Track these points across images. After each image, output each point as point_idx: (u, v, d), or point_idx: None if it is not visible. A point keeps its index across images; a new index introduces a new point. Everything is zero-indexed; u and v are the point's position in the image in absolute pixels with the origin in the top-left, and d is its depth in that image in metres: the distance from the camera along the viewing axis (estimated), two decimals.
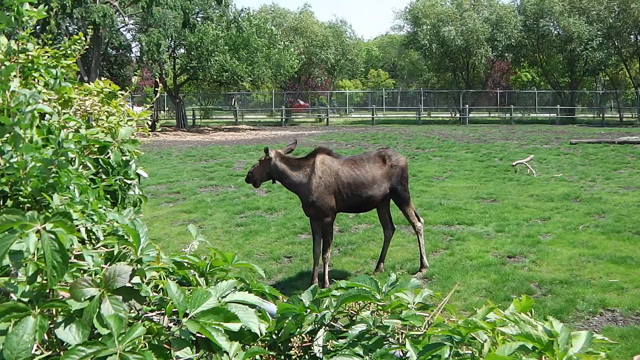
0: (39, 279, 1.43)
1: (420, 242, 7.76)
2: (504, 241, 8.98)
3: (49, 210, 1.70)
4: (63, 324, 1.35)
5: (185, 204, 12.51)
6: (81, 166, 2.19)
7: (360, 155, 7.93)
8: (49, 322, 1.35)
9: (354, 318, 1.64)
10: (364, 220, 10.39)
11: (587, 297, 6.54)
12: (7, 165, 1.76)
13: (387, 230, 7.95)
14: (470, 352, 1.31)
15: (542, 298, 6.60)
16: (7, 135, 1.80)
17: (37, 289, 1.41)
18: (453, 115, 49.72)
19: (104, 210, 1.95)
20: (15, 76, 2.03)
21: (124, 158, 2.43)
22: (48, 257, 1.36)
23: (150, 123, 3.21)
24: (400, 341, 1.46)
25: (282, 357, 1.61)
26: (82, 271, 1.55)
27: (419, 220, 7.88)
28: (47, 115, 2.23)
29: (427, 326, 1.46)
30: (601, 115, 45.35)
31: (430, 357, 1.29)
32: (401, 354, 1.44)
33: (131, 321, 1.47)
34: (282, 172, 7.18)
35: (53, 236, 1.38)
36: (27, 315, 1.33)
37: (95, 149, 2.42)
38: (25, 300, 1.36)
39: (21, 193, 1.81)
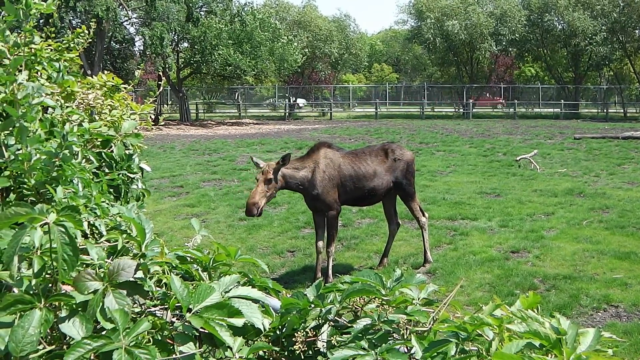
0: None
1: (425, 237, 7.76)
2: (508, 236, 8.97)
3: (52, 204, 1.70)
4: (67, 318, 1.35)
5: (189, 198, 12.52)
6: (84, 160, 2.18)
7: (363, 148, 7.92)
8: (53, 316, 1.35)
9: (358, 313, 1.63)
10: (367, 214, 10.38)
11: (590, 293, 6.53)
12: (12, 157, 1.75)
13: (392, 225, 7.95)
14: (477, 348, 1.30)
15: (546, 293, 6.59)
16: (11, 127, 1.79)
17: (42, 283, 1.40)
18: (456, 109, 49.59)
19: (107, 204, 1.94)
20: (22, 69, 2.03)
21: (127, 152, 2.42)
22: (59, 250, 1.35)
23: (153, 117, 3.20)
24: (405, 337, 1.45)
25: (286, 352, 1.60)
26: (84, 265, 1.54)
27: (423, 215, 7.88)
28: (49, 108, 2.23)
29: (432, 322, 1.45)
30: (605, 110, 45.13)
31: (435, 353, 1.28)
32: (406, 350, 1.43)
33: (134, 316, 1.46)
34: (290, 176, 6.96)
35: (63, 229, 1.37)
36: (33, 308, 1.32)
37: (98, 143, 2.41)
38: (31, 293, 1.36)
39: (25, 186, 1.81)
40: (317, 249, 7.28)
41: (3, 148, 1.79)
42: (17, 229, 1.36)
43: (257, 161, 6.92)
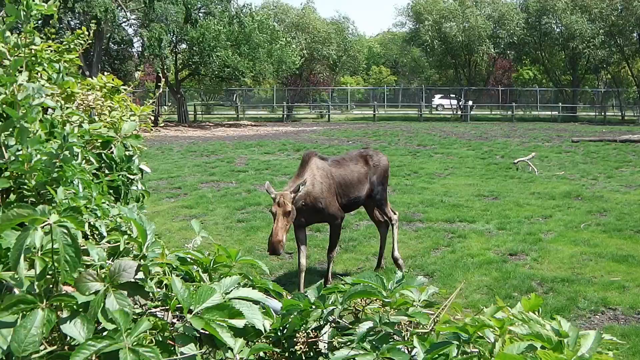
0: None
1: (394, 234, 7.74)
2: (506, 239, 8.98)
3: (53, 205, 1.69)
4: (68, 319, 1.35)
5: (187, 199, 12.51)
6: (84, 161, 2.18)
7: (342, 155, 7.91)
8: (55, 316, 1.35)
9: (358, 315, 1.64)
10: (365, 216, 10.36)
11: (588, 296, 6.54)
12: (12, 158, 1.75)
13: (381, 228, 7.97)
14: (477, 350, 1.30)
15: (544, 296, 6.59)
16: (12, 128, 1.79)
17: (44, 284, 1.40)
18: (454, 112, 49.62)
19: (108, 205, 1.94)
20: (22, 70, 2.03)
21: (127, 153, 2.41)
22: (61, 251, 1.35)
23: (152, 118, 3.20)
24: (407, 338, 1.46)
25: (287, 353, 1.60)
26: (85, 266, 1.54)
27: (395, 213, 7.93)
28: (49, 109, 2.23)
29: (433, 324, 1.45)
30: (603, 113, 45.24)
31: (437, 355, 1.28)
32: (406, 352, 1.43)
33: (135, 317, 1.46)
34: (298, 199, 6.41)
35: (65, 230, 1.37)
36: (35, 308, 1.32)
37: (98, 144, 2.40)
38: (33, 293, 1.36)
39: (25, 187, 1.81)
40: (300, 267, 6.87)
41: (3, 149, 1.78)
42: (20, 230, 1.36)
43: (268, 188, 6.40)
